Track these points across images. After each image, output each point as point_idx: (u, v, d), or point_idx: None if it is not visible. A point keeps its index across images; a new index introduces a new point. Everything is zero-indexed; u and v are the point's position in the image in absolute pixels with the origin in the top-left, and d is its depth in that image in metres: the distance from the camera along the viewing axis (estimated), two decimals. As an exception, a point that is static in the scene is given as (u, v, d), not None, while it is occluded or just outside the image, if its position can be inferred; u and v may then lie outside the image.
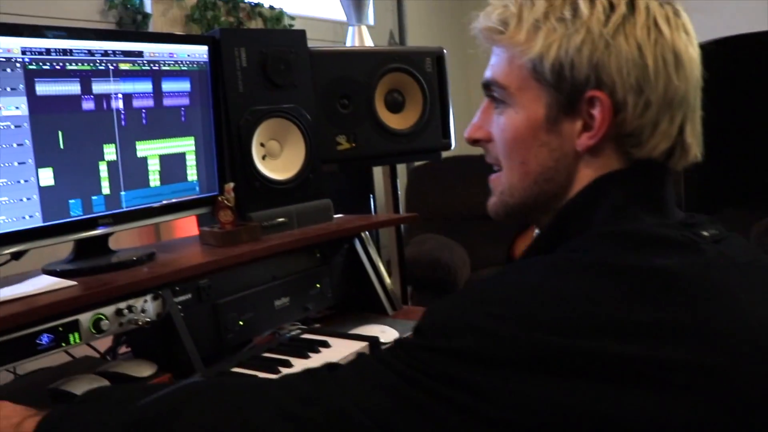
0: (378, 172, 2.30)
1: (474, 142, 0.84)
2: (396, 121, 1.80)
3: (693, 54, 0.75)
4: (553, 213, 0.78)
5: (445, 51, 1.85)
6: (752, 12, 3.36)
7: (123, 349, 1.34)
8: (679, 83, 0.72)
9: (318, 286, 1.56)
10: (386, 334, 1.47)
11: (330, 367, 0.69)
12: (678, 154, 0.76)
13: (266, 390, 0.69)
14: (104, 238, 1.30)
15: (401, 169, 3.50)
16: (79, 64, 1.17)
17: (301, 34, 1.58)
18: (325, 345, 1.26)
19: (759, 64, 3.19)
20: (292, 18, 3.02)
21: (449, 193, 3.76)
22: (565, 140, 0.75)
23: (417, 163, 3.66)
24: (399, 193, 2.14)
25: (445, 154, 1.95)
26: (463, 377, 0.60)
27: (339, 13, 3.39)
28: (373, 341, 1.28)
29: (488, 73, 0.80)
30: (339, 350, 1.25)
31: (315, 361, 1.19)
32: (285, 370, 1.14)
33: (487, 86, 0.80)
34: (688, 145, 0.76)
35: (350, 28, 2.16)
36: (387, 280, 1.69)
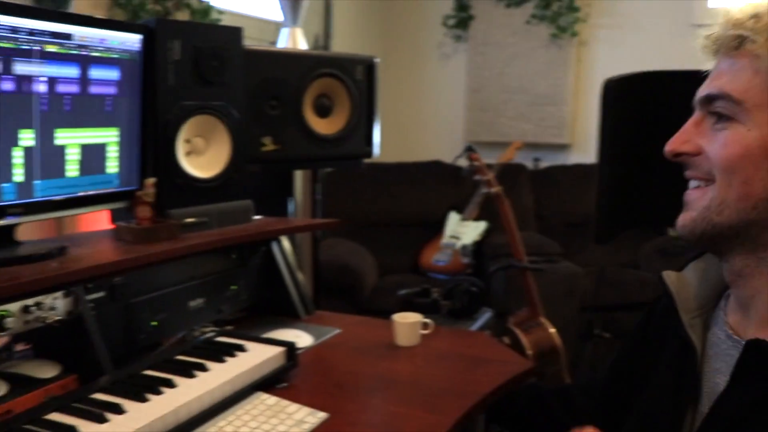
0: (297, 175, 2.28)
1: (676, 155, 0.78)
2: (323, 126, 1.80)
3: None
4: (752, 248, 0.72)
5: (377, 60, 1.87)
6: (657, 49, 3.59)
7: (21, 347, 1.26)
8: None
9: (234, 287, 1.54)
10: (301, 339, 1.48)
11: None
12: None
13: None
14: (10, 228, 1.22)
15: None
16: (1, 41, 1.10)
17: (238, 31, 1.55)
18: (242, 349, 1.24)
19: (658, 101, 3.41)
20: (220, 12, 2.94)
21: (359, 200, 3.79)
22: None
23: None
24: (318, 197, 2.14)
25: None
26: None
27: (265, 12, 3.35)
28: (290, 346, 1.27)
29: (715, 86, 0.73)
30: (255, 354, 1.23)
31: (231, 365, 1.17)
32: (200, 374, 1.12)
33: (711, 100, 0.74)
34: None
35: (284, 29, 2.13)
36: (302, 284, 1.68)
